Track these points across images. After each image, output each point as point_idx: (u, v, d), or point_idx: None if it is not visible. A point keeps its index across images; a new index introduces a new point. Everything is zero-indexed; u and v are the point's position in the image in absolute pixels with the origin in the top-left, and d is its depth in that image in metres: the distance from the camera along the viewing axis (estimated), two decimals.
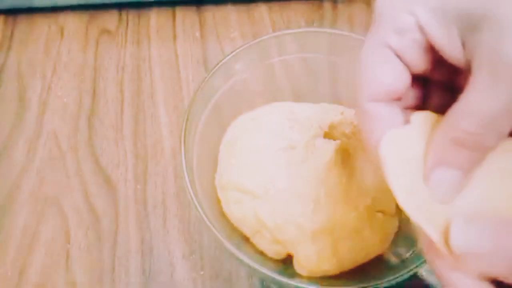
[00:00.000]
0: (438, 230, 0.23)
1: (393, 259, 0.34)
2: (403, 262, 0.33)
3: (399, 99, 0.26)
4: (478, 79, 0.22)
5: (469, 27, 0.22)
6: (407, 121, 0.25)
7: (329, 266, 0.34)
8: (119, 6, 0.53)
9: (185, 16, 0.53)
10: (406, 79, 0.26)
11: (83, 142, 0.44)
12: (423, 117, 0.26)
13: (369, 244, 0.34)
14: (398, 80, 0.25)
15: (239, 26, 0.52)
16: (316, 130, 0.37)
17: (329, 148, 0.35)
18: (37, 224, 0.40)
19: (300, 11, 0.53)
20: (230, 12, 0.53)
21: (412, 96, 0.27)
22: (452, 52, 0.24)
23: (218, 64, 0.38)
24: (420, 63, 0.25)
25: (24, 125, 0.45)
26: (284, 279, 0.31)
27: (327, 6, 0.53)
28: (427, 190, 0.24)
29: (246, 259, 0.31)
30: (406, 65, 0.25)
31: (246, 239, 0.36)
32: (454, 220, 0.22)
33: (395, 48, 0.25)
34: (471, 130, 0.22)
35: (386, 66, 0.25)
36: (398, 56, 0.25)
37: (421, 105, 0.27)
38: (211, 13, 0.53)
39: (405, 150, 0.25)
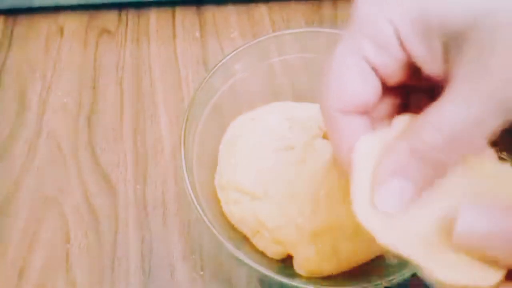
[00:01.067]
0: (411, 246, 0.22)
1: (393, 259, 0.34)
2: (403, 262, 0.33)
3: (366, 112, 0.25)
4: (456, 88, 0.21)
5: (454, 41, 0.21)
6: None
7: (329, 266, 0.34)
8: (119, 6, 0.53)
9: (185, 16, 0.53)
10: (378, 93, 0.25)
11: (83, 142, 0.44)
12: (406, 121, 0.24)
13: (369, 244, 0.34)
14: (370, 94, 0.24)
15: (239, 26, 0.52)
16: (315, 131, 0.37)
17: (328, 148, 0.35)
18: (37, 224, 0.40)
19: (300, 11, 0.53)
20: (230, 12, 0.53)
21: (388, 104, 0.26)
22: (434, 67, 0.23)
23: (218, 64, 0.38)
24: (397, 78, 0.24)
25: (24, 125, 0.45)
26: (284, 279, 0.31)
27: (327, 6, 0.53)
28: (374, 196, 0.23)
29: (246, 259, 0.31)
30: (381, 78, 0.24)
31: (246, 239, 0.36)
32: (461, 210, 0.21)
33: (372, 61, 0.24)
34: (433, 143, 0.21)
35: (359, 78, 0.24)
36: (374, 69, 0.24)
37: (399, 113, 0.26)
38: (211, 13, 0.53)
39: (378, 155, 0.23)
